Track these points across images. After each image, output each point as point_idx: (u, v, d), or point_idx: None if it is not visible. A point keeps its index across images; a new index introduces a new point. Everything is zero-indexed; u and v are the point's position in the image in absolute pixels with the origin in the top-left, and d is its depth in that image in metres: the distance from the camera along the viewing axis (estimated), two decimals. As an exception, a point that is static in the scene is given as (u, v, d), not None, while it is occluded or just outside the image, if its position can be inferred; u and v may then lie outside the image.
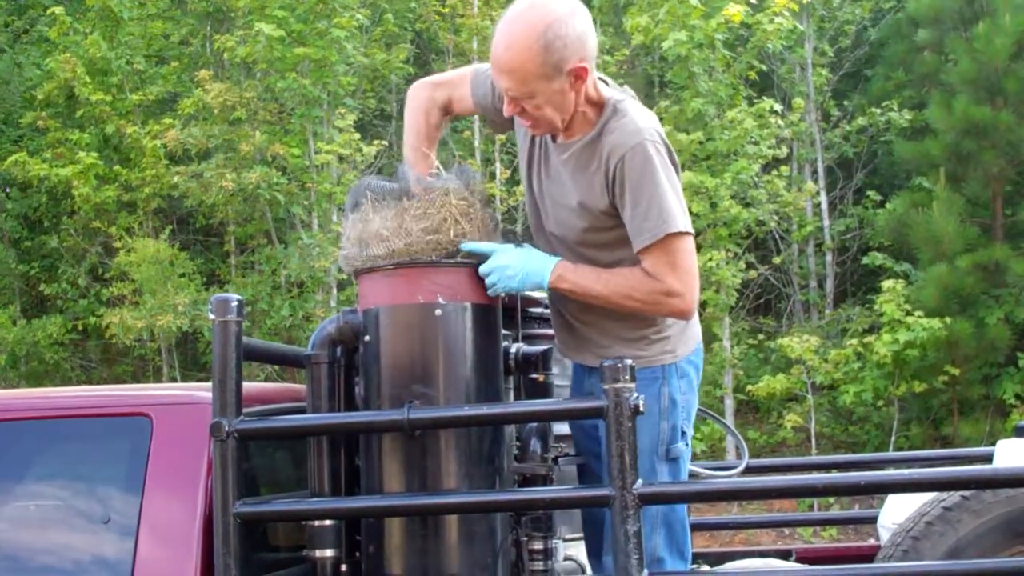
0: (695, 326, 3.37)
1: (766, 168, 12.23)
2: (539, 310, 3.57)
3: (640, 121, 3.14)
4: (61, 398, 3.55)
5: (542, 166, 3.34)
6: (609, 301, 3.14)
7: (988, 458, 4.09)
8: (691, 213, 10.97)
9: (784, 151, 12.41)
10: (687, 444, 3.27)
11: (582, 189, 3.19)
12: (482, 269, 3.10)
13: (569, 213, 3.23)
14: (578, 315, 3.30)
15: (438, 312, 3.01)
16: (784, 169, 12.53)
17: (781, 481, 3.89)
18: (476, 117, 13.59)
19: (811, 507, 10.70)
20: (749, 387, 11.74)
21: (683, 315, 3.17)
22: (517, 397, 3.30)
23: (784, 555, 4.40)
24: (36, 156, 13.42)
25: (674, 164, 3.18)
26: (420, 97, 3.55)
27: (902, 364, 10.94)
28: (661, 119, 11.99)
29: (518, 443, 3.21)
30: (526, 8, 3.08)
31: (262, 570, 3.10)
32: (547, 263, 3.16)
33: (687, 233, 3.10)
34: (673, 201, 3.09)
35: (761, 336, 13.21)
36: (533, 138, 3.35)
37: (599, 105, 3.20)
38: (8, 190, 15.02)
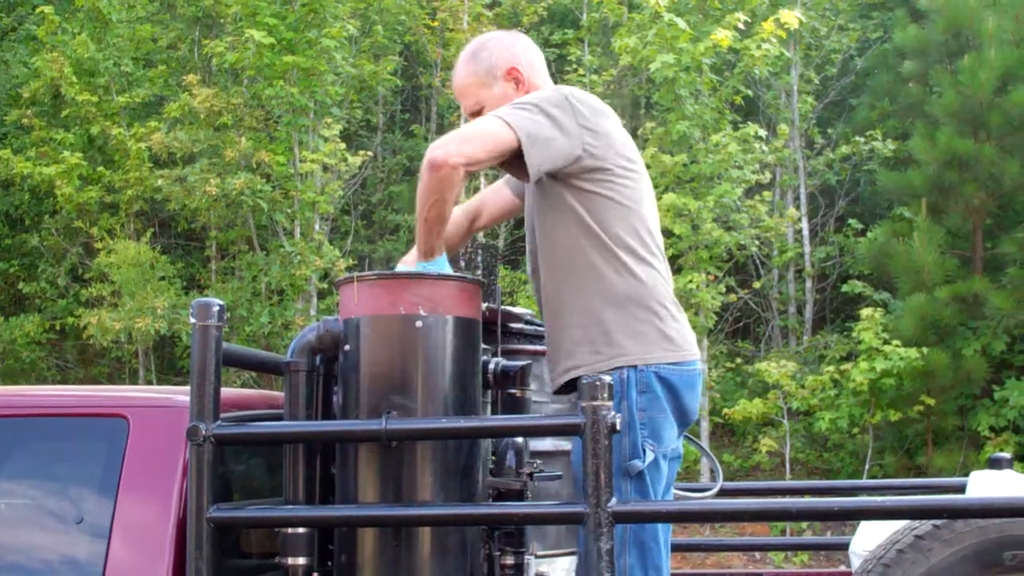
0: (669, 335, 3.31)
1: (749, 193, 12.28)
2: (519, 325, 3.57)
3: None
4: (38, 397, 3.53)
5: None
6: (419, 214, 3.21)
7: (961, 488, 4.10)
8: (673, 235, 10.91)
9: (767, 176, 12.47)
10: (645, 462, 3.21)
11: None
12: None
13: (531, 210, 3.46)
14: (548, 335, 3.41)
15: (419, 324, 3.01)
16: (767, 194, 12.60)
17: (755, 504, 3.91)
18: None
19: (783, 532, 10.73)
20: (725, 410, 11.78)
21: (432, 164, 3.12)
22: (494, 412, 3.30)
23: (755, 579, 4.42)
24: (20, 154, 13.38)
25: (562, 109, 3.25)
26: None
27: (878, 392, 10.98)
28: (646, 140, 12.12)
29: (494, 457, 3.21)
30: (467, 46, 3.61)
31: (234, 576, 3.10)
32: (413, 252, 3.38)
33: (508, 124, 3.17)
34: (522, 110, 3.22)
35: (739, 360, 13.25)
36: None
37: None
38: (-10, 187, 14.98)
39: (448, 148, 3.12)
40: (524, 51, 3.53)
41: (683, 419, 3.34)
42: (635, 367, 3.24)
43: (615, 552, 3.11)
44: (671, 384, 3.29)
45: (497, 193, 3.82)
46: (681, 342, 3.35)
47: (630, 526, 3.15)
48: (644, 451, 3.21)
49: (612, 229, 3.30)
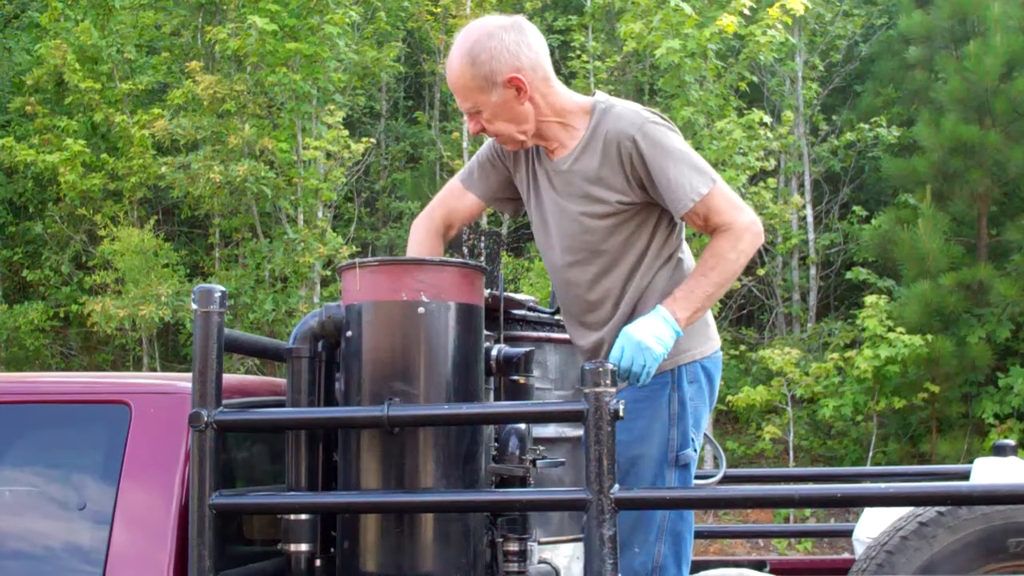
0: (712, 327, 3.39)
1: (753, 180, 12.26)
2: (522, 312, 3.56)
3: (630, 107, 3.27)
4: (40, 383, 3.53)
5: (542, 189, 3.40)
6: (725, 284, 3.20)
7: (965, 476, 4.10)
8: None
9: (772, 163, 12.45)
10: (695, 451, 3.28)
11: (591, 187, 3.26)
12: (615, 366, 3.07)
13: (579, 216, 3.30)
14: (592, 334, 3.37)
15: (421, 310, 3.00)
16: (771, 181, 12.58)
17: (758, 490, 3.90)
18: (465, 116, 13.60)
19: (787, 519, 10.73)
20: (729, 398, 11.77)
21: (760, 237, 3.22)
22: (497, 398, 3.29)
23: (758, 566, 4.41)
24: (23, 142, 13.38)
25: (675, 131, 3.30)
26: (418, 230, 3.60)
27: (882, 380, 10.97)
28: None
29: (496, 444, 3.20)
30: (463, 30, 3.30)
31: (236, 562, 3.09)
32: (658, 317, 3.14)
33: (718, 181, 3.23)
34: (699, 159, 3.23)
35: (743, 347, 13.24)
36: (528, 168, 3.44)
37: (582, 113, 3.31)
38: (-6, 175, 14.99)
39: (757, 219, 3.24)
40: (527, 51, 3.22)
41: (710, 407, 3.38)
42: (693, 362, 3.30)
43: (651, 539, 3.14)
44: (710, 373, 3.35)
45: (462, 200, 3.58)
46: (714, 330, 3.42)
47: (668, 515, 3.17)
48: (693, 441, 3.24)
49: (675, 235, 3.36)
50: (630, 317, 3.26)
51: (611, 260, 3.29)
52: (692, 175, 3.17)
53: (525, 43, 3.23)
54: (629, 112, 3.24)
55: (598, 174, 3.24)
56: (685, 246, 3.41)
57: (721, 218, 3.17)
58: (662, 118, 3.27)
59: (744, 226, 3.17)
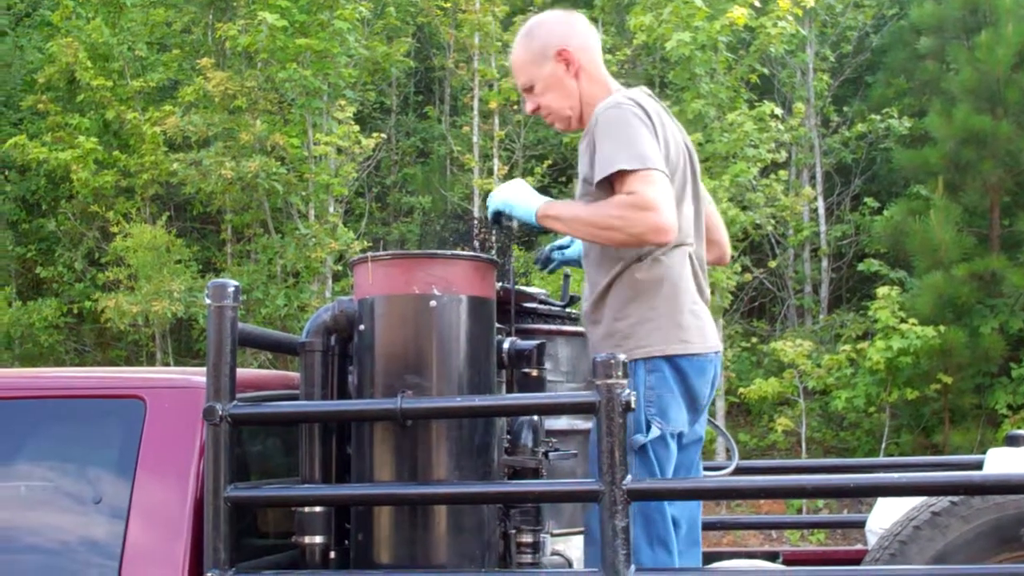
0: (689, 330, 3.33)
1: (764, 172, 12.24)
2: (533, 305, 3.57)
3: (618, 95, 3.40)
4: (55, 378, 3.54)
5: None
6: (592, 224, 3.22)
7: (978, 466, 4.08)
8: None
9: (783, 155, 12.43)
10: (648, 436, 3.23)
11: (584, 168, 3.37)
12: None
13: (580, 194, 3.42)
14: (582, 306, 3.47)
15: (433, 303, 3.01)
16: (782, 173, 12.56)
17: (771, 481, 3.90)
18: (476, 111, 13.60)
19: (799, 510, 10.72)
20: (741, 390, 11.77)
21: (660, 232, 3.15)
22: (509, 391, 3.30)
23: (771, 557, 4.41)
24: (36, 139, 13.43)
25: (648, 120, 3.29)
26: None
27: (895, 371, 10.95)
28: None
29: (509, 436, 3.21)
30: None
31: (251, 555, 3.10)
32: (535, 196, 3.39)
33: (653, 169, 3.17)
34: (644, 145, 3.20)
35: (754, 339, 13.23)
36: None
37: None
38: (7, 172, 15.02)
39: (669, 213, 3.15)
40: (578, 33, 3.53)
41: (692, 403, 3.34)
42: (651, 357, 3.29)
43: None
44: (680, 367, 3.31)
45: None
46: (696, 334, 3.35)
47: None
48: (649, 427, 3.23)
49: None
50: (600, 304, 3.35)
51: (590, 243, 3.42)
52: (621, 152, 3.19)
53: (572, 31, 3.53)
54: (609, 100, 3.35)
55: (583, 157, 3.38)
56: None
57: (631, 188, 3.15)
58: (635, 103, 3.30)
59: (645, 203, 3.12)
